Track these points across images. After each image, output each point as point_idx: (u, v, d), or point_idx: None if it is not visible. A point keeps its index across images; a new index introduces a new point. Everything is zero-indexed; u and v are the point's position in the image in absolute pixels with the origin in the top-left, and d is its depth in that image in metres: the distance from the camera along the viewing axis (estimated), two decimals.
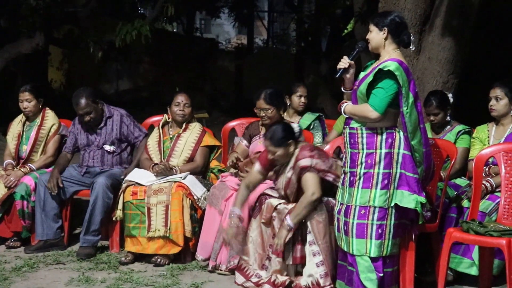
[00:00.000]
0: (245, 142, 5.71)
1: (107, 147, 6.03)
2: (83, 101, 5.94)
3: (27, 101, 6.21)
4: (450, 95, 5.68)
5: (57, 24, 13.44)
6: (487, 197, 4.97)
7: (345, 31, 9.10)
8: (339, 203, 4.56)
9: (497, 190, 4.94)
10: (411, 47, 4.75)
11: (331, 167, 4.85)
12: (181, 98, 5.87)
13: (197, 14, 26.03)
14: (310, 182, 4.81)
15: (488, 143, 5.27)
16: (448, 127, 5.58)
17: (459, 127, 5.54)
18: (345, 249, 4.50)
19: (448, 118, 5.58)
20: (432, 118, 5.55)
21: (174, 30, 24.89)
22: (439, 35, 6.34)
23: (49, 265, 5.50)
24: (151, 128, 6.38)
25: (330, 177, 4.84)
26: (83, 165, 6.07)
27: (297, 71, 18.54)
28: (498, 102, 5.22)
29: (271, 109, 5.49)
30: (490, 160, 5.01)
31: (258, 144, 5.57)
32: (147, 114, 6.69)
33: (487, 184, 4.98)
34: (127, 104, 15.33)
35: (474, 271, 4.86)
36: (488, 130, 5.35)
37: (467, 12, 6.38)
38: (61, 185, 5.85)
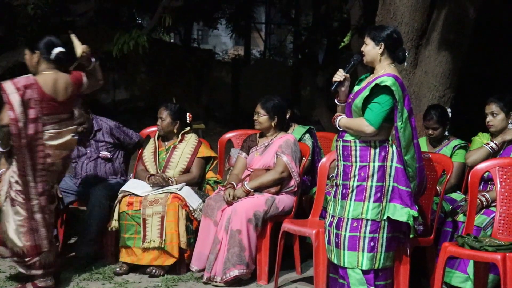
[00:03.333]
0: (244, 154, 5.71)
1: (103, 153, 6.03)
2: (76, 112, 5.95)
3: None
4: (449, 110, 5.70)
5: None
6: (482, 211, 4.98)
7: (342, 43, 9.12)
8: (331, 216, 4.57)
9: (493, 204, 4.95)
10: (405, 63, 4.78)
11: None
12: (159, 114, 5.92)
13: (195, 25, 26.08)
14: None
15: None
16: (445, 141, 5.61)
17: (456, 142, 5.57)
18: (335, 262, 4.50)
19: (446, 133, 5.59)
20: (430, 132, 5.57)
21: (172, 41, 24.91)
22: (435, 49, 6.37)
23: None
24: (147, 138, 6.38)
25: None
26: (77, 177, 6.07)
27: (293, 83, 18.56)
28: (495, 117, 5.22)
29: (262, 114, 5.54)
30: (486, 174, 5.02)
31: (255, 156, 5.59)
32: (143, 124, 6.71)
33: (483, 199, 4.98)
34: (123, 113, 15.38)
35: (469, 285, 4.85)
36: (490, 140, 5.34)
37: (464, 27, 6.42)
38: (61, 196, 5.85)
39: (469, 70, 7.01)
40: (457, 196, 5.42)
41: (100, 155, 6.05)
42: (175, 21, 12.16)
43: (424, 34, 6.51)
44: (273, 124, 5.59)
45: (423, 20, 6.49)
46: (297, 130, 6.05)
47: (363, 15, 9.45)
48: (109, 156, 6.06)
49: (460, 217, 5.06)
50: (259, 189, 5.42)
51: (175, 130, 5.92)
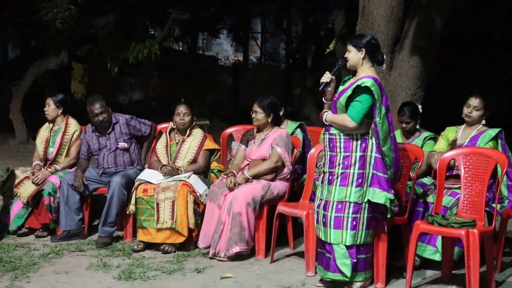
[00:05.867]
0: (243, 146, 5.69)
1: (121, 144, 6.03)
2: (97, 103, 5.98)
3: (47, 104, 6.25)
4: (420, 106, 5.69)
5: (79, 44, 13.44)
6: (449, 193, 4.97)
7: (327, 49, 9.10)
8: (319, 199, 4.56)
9: (457, 187, 4.95)
10: (384, 65, 4.76)
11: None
12: (181, 109, 5.87)
13: (200, 35, 26.04)
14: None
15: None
16: (417, 133, 5.59)
17: (426, 134, 5.55)
18: (323, 239, 4.49)
19: (417, 126, 5.59)
20: (404, 125, 5.56)
21: (180, 49, 24.86)
22: (408, 54, 6.36)
23: (72, 252, 5.48)
24: (159, 134, 6.37)
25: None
26: (100, 167, 6.06)
27: (286, 84, 18.55)
28: (476, 111, 5.13)
29: (259, 112, 5.53)
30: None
31: (253, 148, 5.58)
32: (156, 121, 6.67)
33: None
34: (139, 112, 15.29)
35: (437, 257, 4.86)
36: (456, 131, 5.31)
37: (432, 35, 6.42)
38: (85, 183, 5.86)
39: (438, 71, 7.00)
40: (427, 180, 5.41)
41: (118, 146, 6.04)
42: (183, 32, 12.17)
43: (398, 41, 6.49)
44: (269, 120, 5.58)
45: (397, 29, 6.47)
46: (289, 125, 6.03)
47: (345, 25, 9.45)
48: (126, 147, 6.05)
49: (430, 198, 5.06)
50: (257, 176, 5.41)
51: (192, 124, 5.93)
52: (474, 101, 5.14)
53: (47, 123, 6.38)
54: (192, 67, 20.01)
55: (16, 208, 6.00)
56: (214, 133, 6.64)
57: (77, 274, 4.89)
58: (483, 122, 5.18)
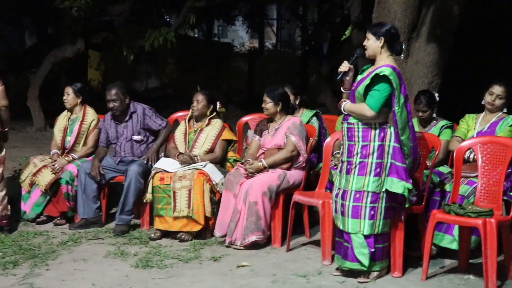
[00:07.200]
0: (257, 137, 5.68)
1: (135, 137, 6.04)
2: (113, 90, 5.98)
3: (67, 93, 6.26)
4: (436, 95, 5.64)
5: (95, 32, 13.47)
6: (466, 181, 4.94)
7: (343, 36, 9.04)
8: (337, 188, 4.55)
9: (474, 176, 4.91)
10: (402, 55, 4.73)
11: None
12: (196, 97, 5.87)
13: (215, 22, 25.98)
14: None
15: (474, 129, 5.20)
16: (433, 122, 5.54)
17: (443, 122, 5.51)
18: (341, 228, 4.49)
19: (434, 115, 5.54)
20: (420, 114, 5.51)
21: (196, 36, 24.83)
22: (424, 42, 6.31)
23: (90, 240, 5.52)
24: (176, 122, 6.38)
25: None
26: (117, 156, 6.08)
27: (301, 71, 18.47)
28: (499, 99, 5.08)
29: (268, 102, 5.52)
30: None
31: (267, 138, 5.57)
32: (172, 108, 6.67)
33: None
34: (155, 100, 15.38)
35: (454, 246, 4.84)
36: (476, 118, 5.27)
37: (449, 22, 6.35)
38: (102, 172, 5.88)
39: (455, 59, 6.93)
40: (444, 169, 5.37)
41: (132, 137, 6.05)
42: (198, 19, 12.14)
43: (414, 28, 6.44)
44: (278, 109, 5.55)
45: (413, 16, 6.41)
46: (305, 114, 6.01)
47: (362, 12, 9.38)
48: (139, 139, 6.05)
49: (447, 187, 5.03)
50: (273, 166, 5.40)
51: (208, 113, 5.89)
52: (498, 89, 5.09)
53: (65, 111, 6.41)
54: (207, 54, 20.00)
55: (35, 196, 6.05)
56: (229, 120, 6.63)
57: (95, 262, 4.93)
58: (505, 110, 5.13)
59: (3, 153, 5.74)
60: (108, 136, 6.14)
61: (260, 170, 5.35)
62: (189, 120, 5.98)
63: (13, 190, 6.16)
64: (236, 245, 5.22)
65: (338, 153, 5.39)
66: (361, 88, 4.41)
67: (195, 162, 5.64)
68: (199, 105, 5.84)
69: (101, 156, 6.06)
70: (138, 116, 6.06)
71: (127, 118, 6.06)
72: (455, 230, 4.81)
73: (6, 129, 5.85)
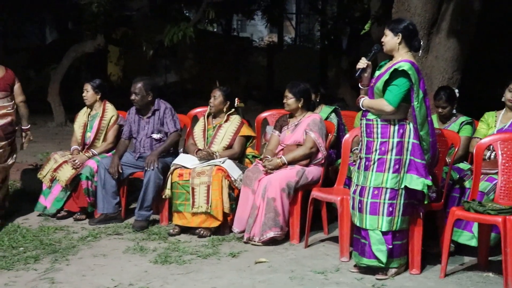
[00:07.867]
0: (277, 132, 5.67)
1: (154, 135, 6.06)
2: (138, 84, 6.00)
3: (86, 90, 6.30)
4: (456, 91, 5.59)
5: (115, 27, 13.52)
6: (486, 178, 4.90)
7: (363, 31, 8.95)
8: (355, 184, 4.55)
9: (494, 172, 4.87)
10: (420, 52, 4.71)
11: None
12: (213, 93, 5.88)
13: (234, 16, 25.94)
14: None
15: (495, 126, 5.17)
16: (453, 118, 5.50)
17: (462, 118, 5.47)
18: (358, 225, 4.48)
19: (453, 111, 5.50)
20: (440, 110, 5.48)
21: (215, 30, 24.82)
22: (445, 37, 6.27)
23: (109, 235, 5.56)
24: (194, 118, 6.39)
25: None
26: (136, 152, 6.12)
27: (320, 66, 18.42)
28: None
29: (289, 97, 5.51)
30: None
31: (287, 134, 5.57)
32: (191, 103, 6.68)
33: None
34: (174, 94, 15.43)
35: (474, 242, 4.81)
36: (496, 116, 5.23)
37: (469, 17, 6.30)
38: (121, 171, 5.92)
39: (475, 55, 6.87)
40: (463, 166, 5.33)
41: (152, 135, 6.07)
42: (217, 14, 12.13)
43: (434, 23, 6.39)
44: (299, 105, 5.55)
45: (433, 11, 6.37)
46: (324, 110, 6.00)
47: (382, 6, 9.30)
48: (157, 138, 6.07)
49: (466, 184, 5.00)
50: (292, 162, 5.40)
51: (224, 109, 5.89)
52: None
53: (85, 108, 6.46)
54: (226, 48, 19.99)
55: (56, 192, 6.11)
56: (248, 115, 6.62)
57: (114, 257, 4.97)
58: None
59: (11, 161, 5.84)
60: (131, 129, 6.17)
61: (279, 167, 5.36)
62: (208, 116, 6.00)
63: (33, 185, 6.22)
64: (254, 241, 5.23)
65: (357, 149, 5.37)
66: (380, 84, 4.40)
67: (213, 158, 5.65)
68: (215, 101, 5.85)
69: (121, 152, 6.09)
70: (160, 114, 6.08)
71: (149, 114, 6.08)
72: (474, 227, 4.78)
73: (28, 127, 5.94)
